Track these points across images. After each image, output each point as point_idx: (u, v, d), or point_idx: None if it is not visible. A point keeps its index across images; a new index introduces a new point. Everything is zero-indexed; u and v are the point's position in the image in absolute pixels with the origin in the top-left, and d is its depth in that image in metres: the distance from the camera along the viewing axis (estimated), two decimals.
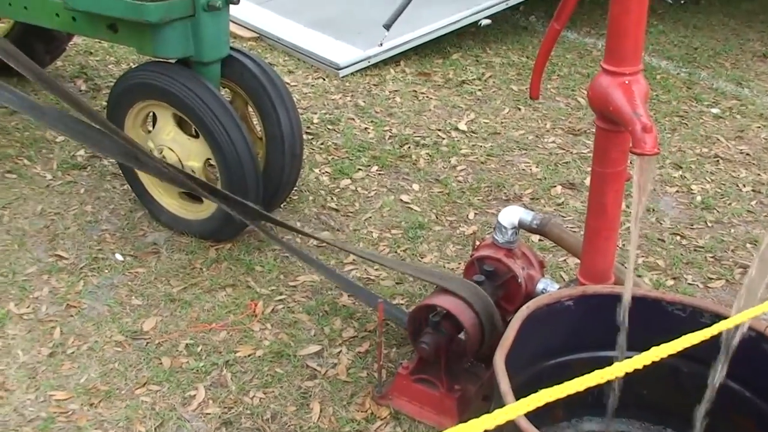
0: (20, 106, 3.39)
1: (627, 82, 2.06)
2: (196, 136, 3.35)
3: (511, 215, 2.71)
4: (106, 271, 3.30)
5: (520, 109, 4.83)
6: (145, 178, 3.54)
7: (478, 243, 2.91)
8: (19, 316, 3.05)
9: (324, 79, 5.19)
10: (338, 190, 3.91)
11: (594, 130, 2.26)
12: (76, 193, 3.81)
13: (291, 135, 3.41)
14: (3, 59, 3.18)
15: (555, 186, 4.00)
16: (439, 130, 4.55)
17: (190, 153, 3.34)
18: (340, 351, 2.91)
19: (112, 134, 3.08)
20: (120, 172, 3.83)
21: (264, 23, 5.78)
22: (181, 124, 3.39)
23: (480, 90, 5.09)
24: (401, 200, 3.85)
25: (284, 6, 6.03)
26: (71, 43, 4.98)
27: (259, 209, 3.14)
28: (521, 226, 2.72)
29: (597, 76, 2.13)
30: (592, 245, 2.42)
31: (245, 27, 5.78)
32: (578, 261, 2.80)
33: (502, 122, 4.67)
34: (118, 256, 3.38)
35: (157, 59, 3.32)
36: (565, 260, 3.41)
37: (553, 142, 4.43)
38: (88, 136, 3.22)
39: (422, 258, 3.44)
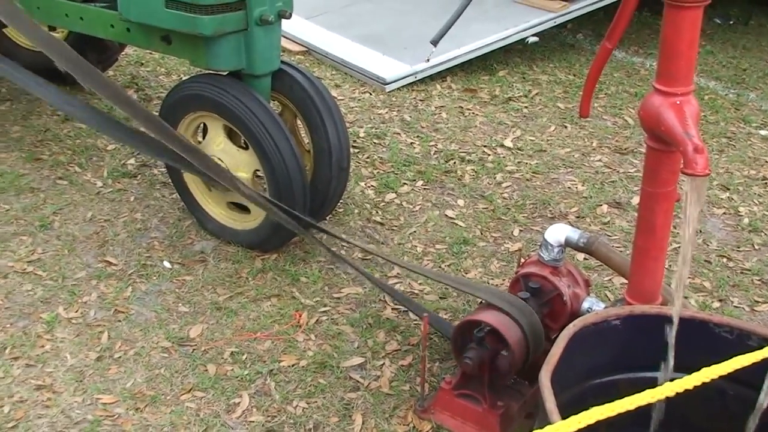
0: (80, 114, 3.50)
1: (678, 102, 2.06)
2: (246, 148, 3.39)
3: (557, 233, 2.71)
4: (154, 277, 3.35)
5: (566, 127, 4.82)
6: (194, 187, 3.60)
7: (523, 260, 2.91)
8: (68, 320, 3.11)
9: (371, 94, 5.22)
10: (383, 203, 3.94)
11: (642, 150, 2.27)
12: (126, 201, 3.88)
13: (339, 148, 3.45)
14: (63, 66, 3.26)
15: (601, 205, 3.99)
16: (485, 146, 4.56)
17: (239, 164, 3.39)
18: (383, 364, 2.92)
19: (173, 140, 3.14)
20: (169, 181, 3.89)
21: (312, 37, 5.84)
22: (230, 135, 3.44)
23: (526, 107, 5.09)
24: (446, 215, 3.86)
25: (332, 21, 6.08)
26: (123, 53, 5.08)
27: (308, 219, 3.17)
28: (568, 244, 2.72)
29: (648, 96, 2.14)
30: (640, 265, 2.41)
31: (294, 41, 5.85)
32: (624, 280, 2.80)
33: (548, 140, 4.66)
34: (166, 264, 3.43)
35: (209, 71, 3.38)
36: (610, 279, 3.40)
37: (600, 160, 4.42)
38: (144, 141, 3.32)
39: (466, 273, 3.45)
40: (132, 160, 4.21)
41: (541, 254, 2.75)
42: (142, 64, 5.47)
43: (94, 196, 3.91)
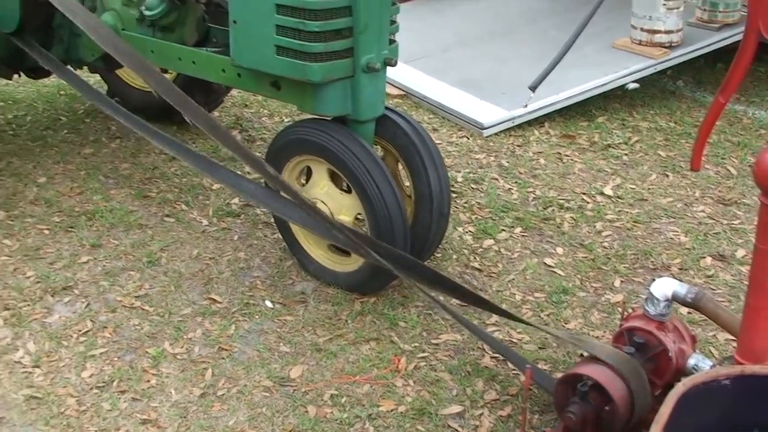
0: (181, 154, 3.64)
1: None
2: (348, 191, 3.45)
3: (664, 287, 2.67)
4: (257, 316, 3.42)
5: (667, 176, 4.75)
6: (296, 228, 3.67)
7: (626, 313, 2.87)
8: (174, 355, 3.20)
9: (468, 138, 5.25)
10: (481, 249, 3.94)
11: (746, 201, 2.23)
12: (230, 240, 3.98)
13: (440, 194, 3.47)
14: (174, 105, 3.40)
15: (704, 257, 3.91)
16: (584, 193, 4.53)
17: (341, 207, 3.45)
18: (482, 413, 2.91)
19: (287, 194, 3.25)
20: (271, 221, 3.99)
21: (411, 81, 5.92)
22: (333, 178, 3.50)
23: (626, 154, 5.04)
24: (545, 263, 3.84)
25: (431, 65, 6.15)
26: (227, 94, 5.24)
27: (414, 259, 3.20)
28: (675, 299, 2.67)
29: (764, 152, 2.10)
30: (751, 324, 2.36)
31: (392, 84, 5.93)
32: (730, 337, 2.74)
33: (649, 188, 4.60)
34: (268, 303, 3.50)
35: (315, 116, 3.46)
36: (714, 335, 3.32)
37: (703, 211, 4.33)
38: (244, 184, 3.46)
39: (566, 324, 3.41)
40: (236, 200, 4.32)
41: (647, 308, 2.71)
42: (246, 105, 5.63)
43: (200, 234, 4.02)
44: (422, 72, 6.04)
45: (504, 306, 3.47)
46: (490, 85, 5.81)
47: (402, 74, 6.00)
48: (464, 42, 6.63)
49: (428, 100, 5.73)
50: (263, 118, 5.46)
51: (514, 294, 3.61)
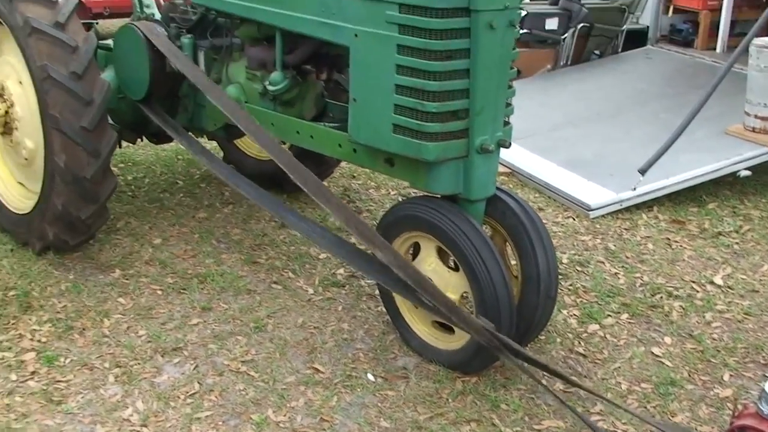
0: (296, 225, 3.76)
1: None
2: (456, 269, 3.47)
3: None
4: (359, 389, 3.44)
5: None
6: (400, 302, 3.70)
7: (737, 410, 2.78)
8: (276, 423, 3.24)
9: (574, 219, 5.23)
10: (586, 334, 3.89)
11: None
12: (335, 310, 4.04)
13: (547, 276, 3.46)
14: (292, 177, 3.52)
15: None
16: (693, 282, 4.43)
17: (448, 285, 3.47)
18: None
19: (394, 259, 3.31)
20: (376, 293, 4.03)
21: (517, 159, 5.94)
22: (441, 255, 3.53)
23: (737, 243, 4.93)
24: (652, 353, 3.76)
25: (538, 144, 6.17)
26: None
27: (515, 345, 3.19)
28: None
29: None
30: None
31: (499, 162, 5.95)
32: None
33: (761, 280, 4.47)
34: (370, 376, 3.52)
35: (426, 194, 3.52)
36: None
37: None
38: (353, 253, 3.54)
39: (673, 417, 3.32)
40: (341, 270, 4.40)
41: (761, 407, 2.62)
42: (354, 176, 5.75)
43: (305, 303, 4.09)
44: (529, 150, 6.06)
45: (609, 395, 3.42)
46: (598, 167, 5.79)
47: (509, 152, 5.98)
48: (572, 122, 6.65)
49: (535, 179, 5.74)
50: (370, 190, 5.56)
51: (620, 383, 3.53)
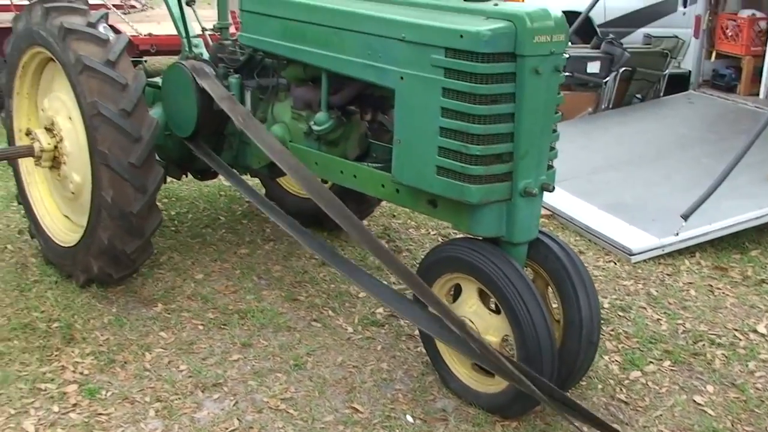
0: (332, 260, 3.78)
1: None
2: (497, 312, 3.46)
3: None
4: (397, 430, 3.42)
5: None
6: (441, 344, 3.69)
7: None
8: None
9: (615, 263, 5.19)
10: (628, 381, 3.85)
11: None
12: (374, 349, 4.04)
13: (590, 322, 3.44)
14: (326, 211, 3.56)
15: None
16: (736, 330, 4.38)
17: (489, 327, 3.46)
18: None
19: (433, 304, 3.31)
20: (415, 333, 4.03)
21: (558, 202, 5.93)
22: (482, 297, 3.53)
23: None
24: (694, 401, 3.71)
25: (579, 187, 6.16)
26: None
27: (557, 389, 3.16)
28: None
29: None
30: None
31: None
32: None
33: None
34: (409, 418, 3.51)
35: (468, 236, 3.52)
36: None
37: None
38: (392, 295, 3.57)
39: None
40: (381, 309, 4.40)
41: None
42: (394, 216, 5.77)
43: (345, 342, 4.10)
44: (570, 193, 6.05)
45: None
46: (639, 211, 5.76)
47: (550, 194, 6.00)
48: (614, 165, 6.63)
49: (575, 222, 5.72)
50: (410, 230, 5.58)
51: (662, 431, 3.49)
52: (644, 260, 5.21)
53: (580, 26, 8.51)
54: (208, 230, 5.44)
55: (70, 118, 4.33)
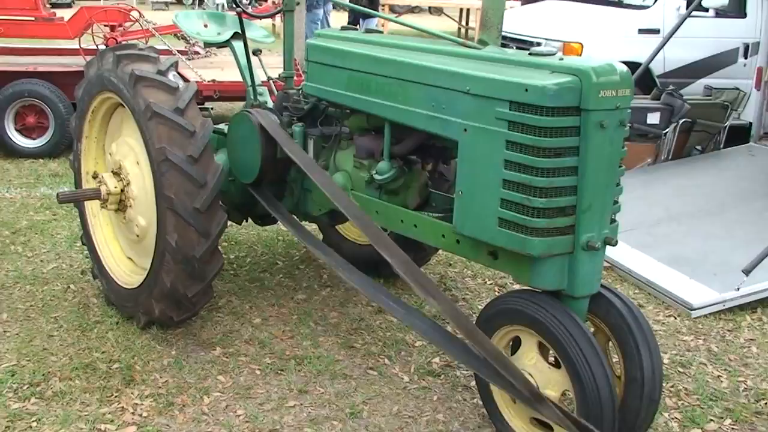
0: (394, 310, 3.79)
1: None
2: (557, 366, 3.43)
3: None
4: None
5: None
6: (498, 396, 3.67)
7: None
8: None
9: (675, 318, 5.12)
10: None
11: None
12: (430, 400, 4.02)
13: (652, 379, 3.39)
14: (387, 259, 3.58)
15: None
16: None
17: (548, 382, 3.42)
18: None
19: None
20: (472, 384, 4.00)
21: (617, 254, 5.87)
22: (541, 350, 3.50)
23: None
24: None
25: (638, 239, 6.09)
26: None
27: None
28: None
29: None
30: None
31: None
32: None
33: None
34: None
35: (528, 288, 3.51)
36: None
37: None
38: (451, 341, 3.56)
39: None
40: (437, 359, 4.39)
41: None
42: (450, 264, 5.77)
43: (401, 391, 4.09)
44: (629, 245, 5.98)
45: None
46: (700, 264, 5.68)
47: (608, 247, 5.96)
48: (674, 218, 6.56)
49: (634, 274, 5.66)
50: (467, 279, 5.56)
51: None
52: (705, 315, 5.13)
53: (640, 77, 8.48)
54: (266, 275, 5.49)
55: (137, 162, 4.43)
